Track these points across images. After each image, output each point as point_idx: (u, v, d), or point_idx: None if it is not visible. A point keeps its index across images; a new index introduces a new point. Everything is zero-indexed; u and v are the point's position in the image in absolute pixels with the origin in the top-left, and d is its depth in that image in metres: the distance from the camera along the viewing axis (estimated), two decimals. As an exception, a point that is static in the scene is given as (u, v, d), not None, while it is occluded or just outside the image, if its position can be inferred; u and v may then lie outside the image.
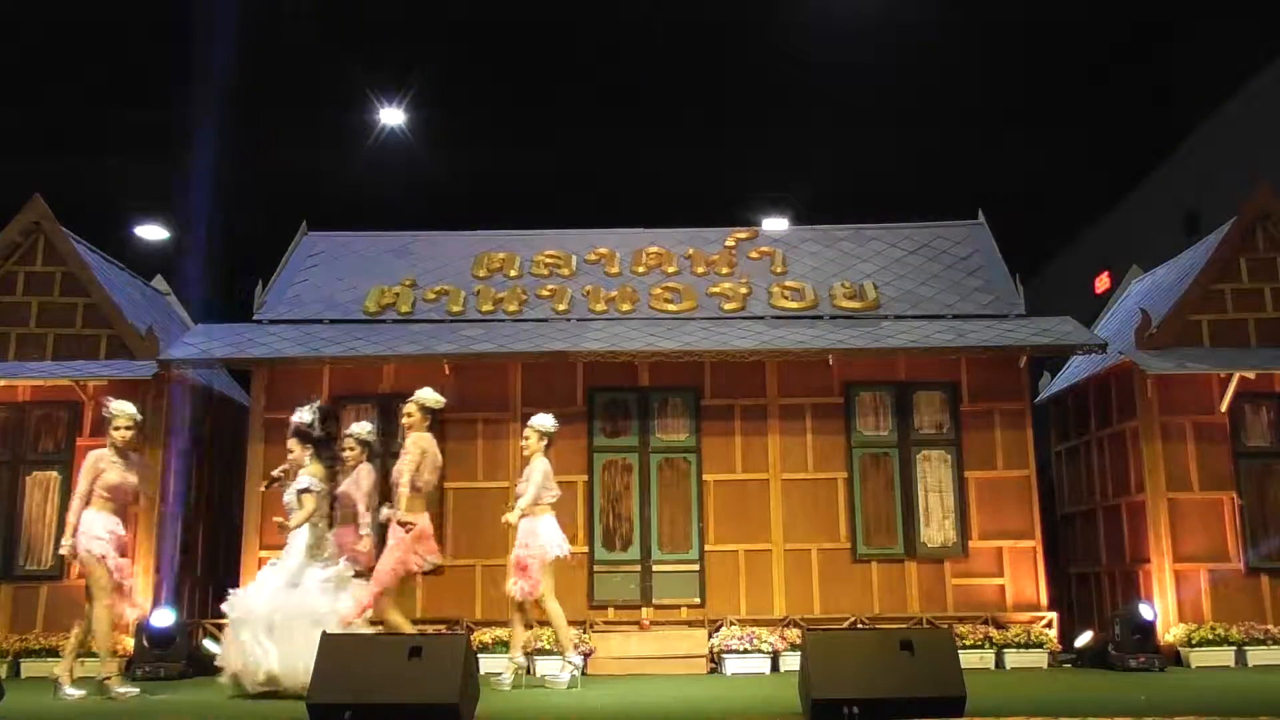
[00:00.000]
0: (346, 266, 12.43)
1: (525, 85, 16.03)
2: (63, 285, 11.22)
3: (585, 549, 10.74)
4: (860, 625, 10.24)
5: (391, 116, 16.50)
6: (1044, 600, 10.61)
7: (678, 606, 10.63)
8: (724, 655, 9.82)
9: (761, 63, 15.59)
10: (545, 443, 8.21)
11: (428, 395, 8.05)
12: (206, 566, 11.79)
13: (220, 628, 10.51)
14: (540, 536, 7.96)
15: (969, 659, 8.69)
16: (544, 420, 8.25)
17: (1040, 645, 10.09)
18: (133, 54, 14.81)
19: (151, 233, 18.13)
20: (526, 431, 8.24)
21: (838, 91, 15.22)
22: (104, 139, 15.46)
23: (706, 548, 10.77)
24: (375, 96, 16.08)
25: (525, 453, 8.23)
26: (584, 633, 10.13)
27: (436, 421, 8.31)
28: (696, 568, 10.72)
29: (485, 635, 9.92)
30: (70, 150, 15.20)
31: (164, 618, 9.63)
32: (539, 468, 8.09)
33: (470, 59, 15.56)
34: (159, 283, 13.79)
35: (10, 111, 14.68)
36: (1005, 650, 10.02)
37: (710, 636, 10.14)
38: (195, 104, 15.44)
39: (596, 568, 10.73)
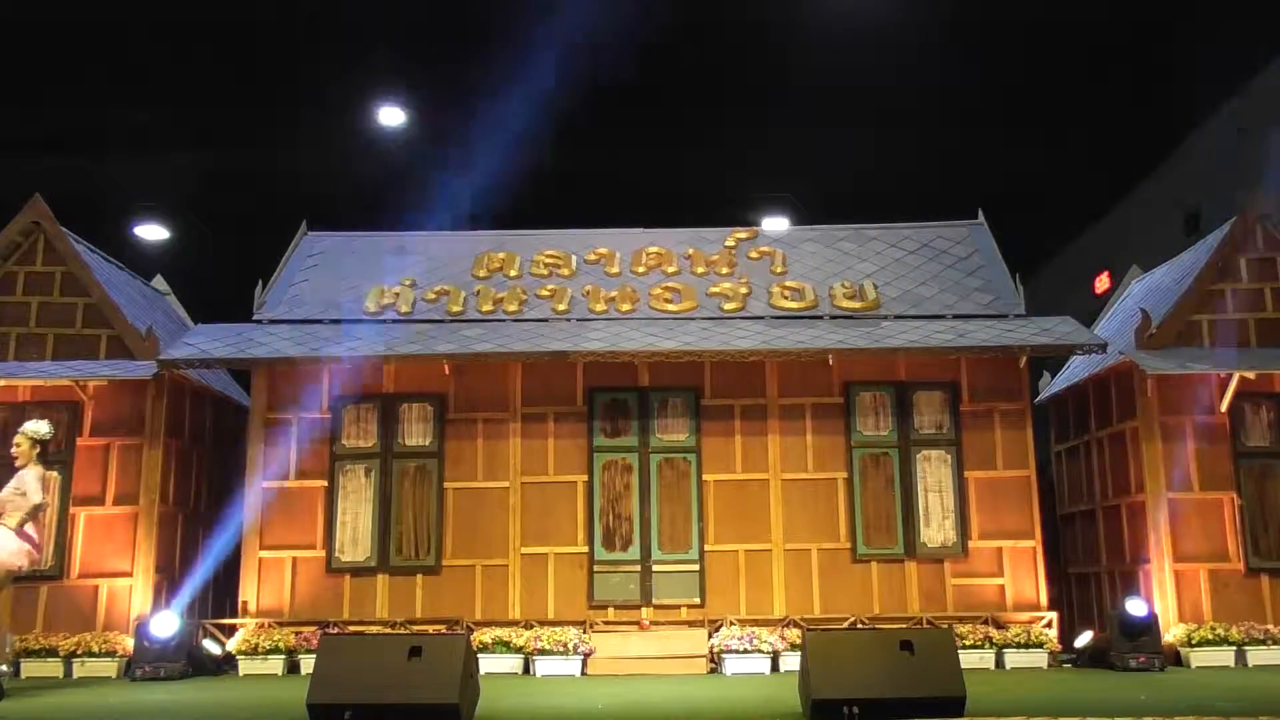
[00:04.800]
0: (346, 266, 12.43)
1: (525, 86, 16.03)
2: (63, 285, 11.21)
3: (585, 549, 10.74)
4: (860, 625, 10.24)
5: (391, 116, 16.50)
6: (1044, 600, 10.61)
7: (678, 606, 10.63)
8: (724, 655, 9.82)
9: (762, 63, 15.60)
10: (38, 450, 8.17)
11: (38, 427, 8.17)
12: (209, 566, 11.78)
13: (221, 628, 10.52)
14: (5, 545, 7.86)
15: (969, 659, 8.70)
16: (38, 426, 8.22)
17: (1040, 645, 10.09)
18: (133, 54, 14.81)
19: (151, 233, 18.13)
20: (18, 439, 8.10)
21: (838, 91, 15.22)
22: (104, 139, 15.47)
23: (706, 548, 10.76)
24: (375, 96, 16.09)
25: (18, 463, 8.03)
26: (584, 633, 10.13)
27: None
28: (696, 568, 10.72)
29: (485, 635, 9.92)
30: (70, 150, 15.21)
31: (167, 621, 9.59)
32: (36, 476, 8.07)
33: (469, 59, 15.57)
34: (159, 283, 13.79)
35: (11, 111, 14.69)
36: (1005, 650, 10.02)
37: (710, 636, 10.14)
38: (196, 104, 15.45)
39: (596, 568, 10.73)
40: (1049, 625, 10.40)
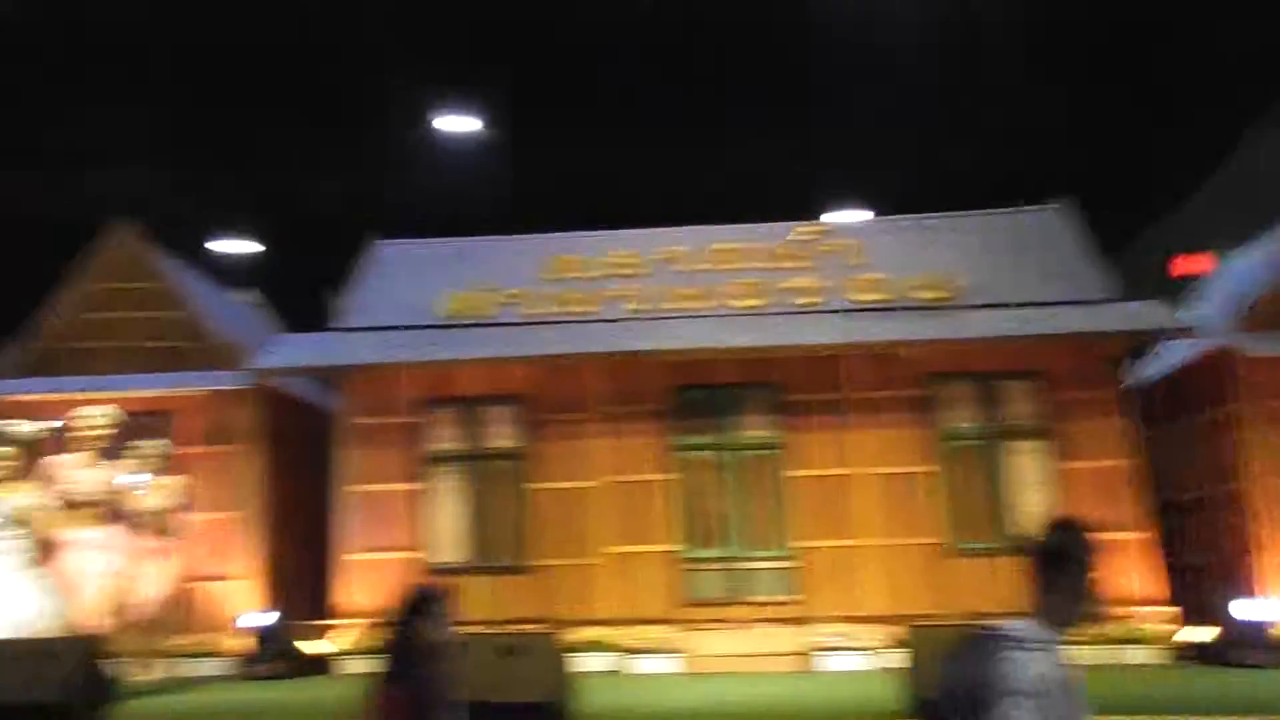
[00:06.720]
0: (419, 273, 12.55)
1: (596, 86, 16.07)
2: (156, 300, 11.55)
3: (673, 546, 10.66)
4: (960, 622, 10.00)
5: (460, 124, 16.63)
6: (1157, 594, 10.12)
7: (769, 603, 10.45)
8: (820, 653, 9.68)
9: (841, 56, 15.35)
10: None
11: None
12: (301, 569, 12.02)
13: (320, 629, 10.73)
14: None
15: (1081, 655, 8.42)
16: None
17: (1155, 641, 9.62)
18: (207, 74, 15.20)
19: (239, 247, 18.54)
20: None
21: (914, 78, 14.96)
22: (193, 158, 15.91)
23: (795, 544, 10.60)
24: (444, 105, 16.25)
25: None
26: (675, 630, 10.05)
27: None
28: (786, 564, 10.58)
29: (577, 634, 9.89)
30: (160, 167, 15.66)
31: (269, 622, 9.83)
32: None
33: (541, 65, 15.66)
34: (249, 296, 14.11)
35: (104, 131, 15.12)
36: (1119, 646, 9.54)
37: (805, 633, 9.99)
38: (279, 124, 15.77)
39: (685, 565, 10.65)
40: (1165, 620, 9.95)
